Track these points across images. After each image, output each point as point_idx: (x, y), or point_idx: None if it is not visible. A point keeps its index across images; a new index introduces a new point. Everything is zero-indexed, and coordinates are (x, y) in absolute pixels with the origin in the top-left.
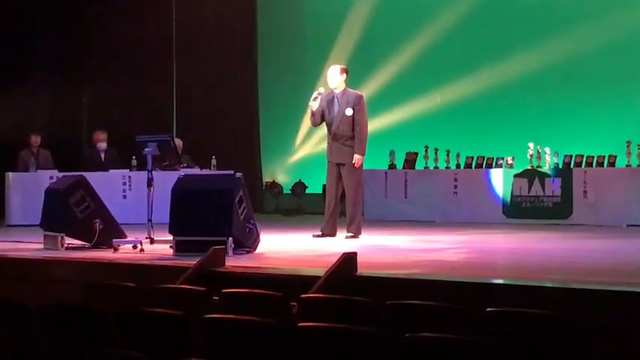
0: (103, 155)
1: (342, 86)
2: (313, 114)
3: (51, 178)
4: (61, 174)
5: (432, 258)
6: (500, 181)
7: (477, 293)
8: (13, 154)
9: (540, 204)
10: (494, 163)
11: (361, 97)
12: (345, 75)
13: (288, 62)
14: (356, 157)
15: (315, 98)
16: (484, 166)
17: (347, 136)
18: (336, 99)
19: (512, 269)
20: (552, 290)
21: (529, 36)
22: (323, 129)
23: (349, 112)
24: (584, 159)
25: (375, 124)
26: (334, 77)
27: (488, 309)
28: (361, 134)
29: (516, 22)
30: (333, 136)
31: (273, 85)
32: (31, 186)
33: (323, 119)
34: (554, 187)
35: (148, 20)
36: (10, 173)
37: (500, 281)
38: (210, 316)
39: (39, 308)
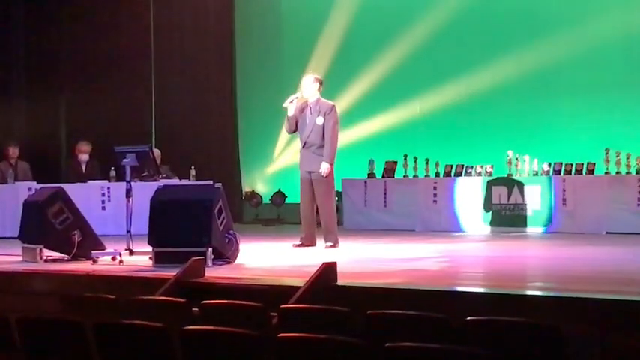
0: (84, 167)
1: (316, 96)
2: (288, 119)
3: (29, 190)
4: (39, 186)
5: (412, 267)
6: (479, 189)
7: (458, 302)
8: None
9: (520, 212)
10: (473, 172)
11: (333, 106)
12: (318, 84)
13: (267, 72)
14: (324, 165)
15: (292, 101)
16: (463, 174)
17: (317, 144)
18: (308, 108)
19: (492, 277)
20: (533, 298)
21: (507, 44)
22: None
23: (320, 120)
24: (563, 167)
25: (354, 133)
26: (308, 87)
27: (469, 317)
28: (330, 143)
29: (494, 30)
30: (304, 145)
31: (251, 94)
32: (9, 198)
33: (297, 127)
34: (533, 195)
35: (125, 30)
36: None
37: (481, 290)
38: (190, 327)
39: (18, 321)
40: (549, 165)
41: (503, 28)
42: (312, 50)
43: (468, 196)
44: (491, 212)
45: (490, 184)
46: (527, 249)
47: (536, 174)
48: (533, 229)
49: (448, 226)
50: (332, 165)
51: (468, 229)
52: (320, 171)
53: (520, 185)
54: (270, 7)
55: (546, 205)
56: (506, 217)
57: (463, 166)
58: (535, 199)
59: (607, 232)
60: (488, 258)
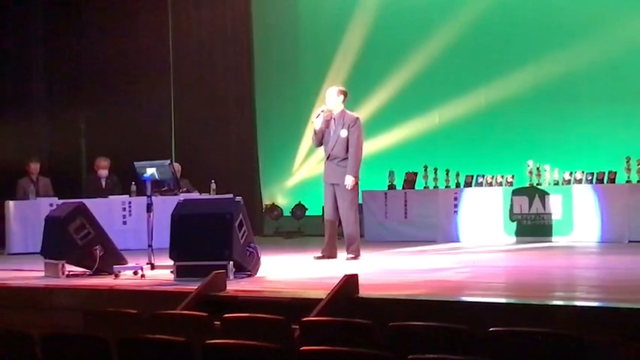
0: (103, 182)
1: (340, 108)
2: (316, 132)
3: (51, 205)
4: (60, 201)
5: (434, 278)
6: (500, 199)
7: (480, 313)
8: (13, 182)
9: (541, 221)
10: (494, 182)
11: (357, 119)
12: (342, 96)
13: (285, 84)
14: (348, 178)
15: (318, 116)
16: (484, 184)
17: (341, 157)
18: (333, 120)
19: (514, 288)
20: (555, 308)
21: (527, 53)
22: (320, 151)
23: (344, 133)
24: (584, 175)
25: (373, 145)
26: (332, 99)
27: (492, 328)
28: (355, 156)
29: (513, 40)
30: (328, 157)
31: (270, 107)
32: (31, 214)
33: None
34: (554, 204)
35: (144, 45)
36: (10, 201)
37: (503, 300)
38: (212, 341)
39: (41, 337)
40: (570, 174)
41: (522, 37)
42: (331, 62)
43: (489, 207)
44: (512, 222)
45: (511, 194)
46: (549, 259)
47: (557, 183)
48: (555, 238)
49: (469, 237)
50: (356, 177)
51: (489, 240)
52: (345, 184)
53: (541, 194)
54: (288, 19)
55: (568, 215)
56: (528, 226)
57: (484, 176)
58: (556, 208)
59: (630, 241)
60: (510, 268)
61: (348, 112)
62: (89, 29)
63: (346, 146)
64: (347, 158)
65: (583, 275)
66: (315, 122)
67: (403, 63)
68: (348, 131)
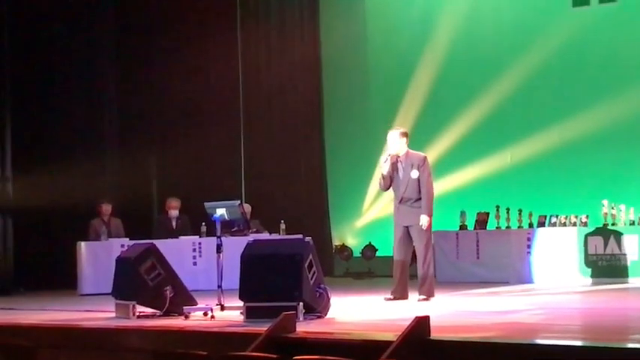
0: (174, 222)
1: (404, 149)
2: (384, 177)
3: (122, 246)
4: (132, 242)
5: (507, 320)
6: (574, 239)
7: (557, 356)
8: (85, 223)
9: (617, 262)
10: (567, 222)
11: (425, 158)
12: (405, 138)
13: (354, 124)
14: (424, 218)
15: (386, 160)
16: (557, 224)
17: (414, 198)
18: (400, 163)
19: (591, 330)
20: (635, 351)
21: (600, 91)
22: (390, 192)
23: (415, 174)
24: None
25: (444, 185)
26: (395, 142)
27: None
28: (428, 195)
29: (587, 76)
30: (401, 200)
31: (339, 148)
32: (102, 255)
33: (392, 183)
34: (630, 244)
35: (213, 86)
36: (82, 243)
37: (579, 343)
38: None
39: None
40: None
41: (595, 74)
42: (400, 102)
43: (563, 247)
44: (587, 263)
45: (586, 235)
46: (626, 300)
47: (632, 223)
48: (632, 279)
49: (543, 278)
50: (431, 217)
51: (563, 281)
52: (420, 224)
53: (616, 235)
54: (357, 62)
55: None
56: (603, 267)
57: (557, 216)
58: (632, 248)
59: None
60: (585, 310)
61: (412, 152)
62: (159, 67)
63: (418, 187)
64: (420, 199)
65: None
66: (383, 167)
67: (474, 101)
68: (419, 171)
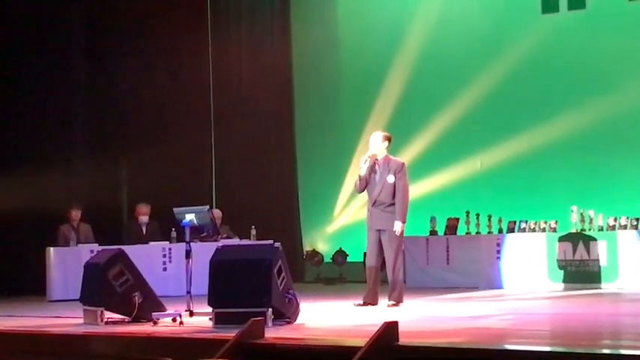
0: (144, 228)
1: (384, 153)
2: (360, 178)
3: (91, 252)
4: (101, 248)
5: (476, 325)
6: (544, 245)
7: None
8: (54, 228)
9: (586, 268)
10: (537, 227)
11: (403, 164)
12: (387, 142)
13: (326, 129)
14: (397, 224)
15: (366, 161)
16: (527, 230)
17: (387, 202)
18: (377, 166)
19: (559, 336)
20: (603, 357)
21: (570, 98)
22: (361, 197)
23: (391, 179)
24: (629, 221)
25: (415, 190)
26: (377, 144)
27: None
28: (402, 201)
29: (556, 84)
30: (374, 203)
31: (311, 153)
32: (71, 260)
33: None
34: (599, 250)
35: (184, 89)
36: (51, 248)
37: (548, 349)
38: None
39: None
40: (615, 219)
41: (565, 82)
42: (372, 107)
43: (532, 253)
44: (556, 269)
45: (554, 240)
46: (594, 306)
47: (601, 229)
48: (600, 285)
49: (512, 283)
50: (404, 223)
51: (532, 286)
52: (393, 229)
53: (586, 240)
54: (329, 64)
55: (613, 261)
56: (572, 273)
57: (527, 222)
58: (601, 254)
59: None
60: (554, 315)
61: (392, 157)
62: (129, 75)
63: (392, 192)
64: (393, 204)
65: (630, 323)
66: (362, 168)
67: (444, 108)
68: (395, 177)
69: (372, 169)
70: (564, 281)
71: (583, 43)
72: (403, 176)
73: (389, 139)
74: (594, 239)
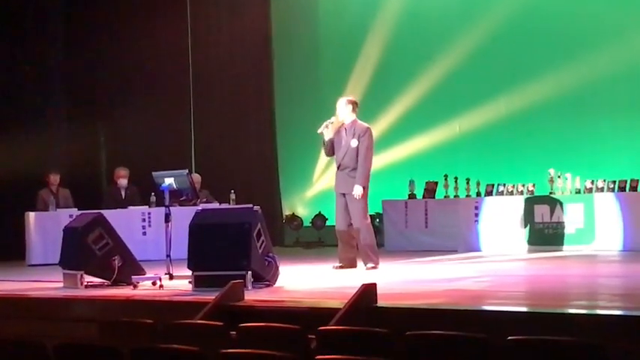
0: (123, 192)
1: (351, 118)
2: (325, 143)
3: (70, 216)
4: (80, 212)
5: (453, 287)
6: (521, 208)
7: (499, 322)
8: (33, 193)
9: (563, 230)
10: (515, 190)
11: (368, 129)
12: (352, 106)
13: (305, 94)
14: (357, 187)
15: (327, 126)
16: (505, 193)
17: (351, 167)
18: (344, 130)
19: (535, 297)
20: (577, 316)
21: (547, 62)
22: None
23: (354, 143)
24: (606, 184)
25: (394, 154)
26: (342, 109)
27: (510, 337)
28: (364, 165)
29: (534, 48)
30: (339, 167)
31: (290, 118)
32: (50, 225)
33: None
34: (576, 212)
35: (163, 55)
36: (30, 213)
37: (524, 309)
38: (227, 350)
39: (56, 348)
40: (592, 182)
41: (542, 46)
42: (351, 72)
43: (510, 215)
44: (533, 231)
45: (532, 203)
46: (570, 268)
47: (578, 192)
48: (577, 247)
49: (490, 246)
50: (365, 187)
51: (510, 249)
52: (353, 193)
53: (562, 203)
54: (308, 30)
55: (590, 223)
56: (549, 235)
57: (504, 185)
58: (578, 217)
59: None
60: (531, 277)
61: (359, 122)
62: (108, 40)
63: (356, 156)
64: (357, 168)
65: (605, 284)
66: (324, 133)
67: (423, 72)
68: (359, 141)
69: (338, 134)
70: (541, 243)
71: (559, 8)
72: (366, 140)
73: (354, 103)
74: (571, 202)
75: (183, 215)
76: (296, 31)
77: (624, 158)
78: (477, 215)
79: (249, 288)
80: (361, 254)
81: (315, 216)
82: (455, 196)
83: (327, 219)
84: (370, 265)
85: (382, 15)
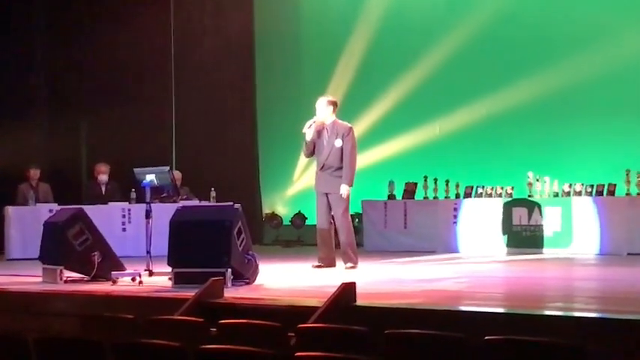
0: (103, 188)
1: (332, 118)
2: (307, 144)
3: (50, 211)
4: (60, 207)
5: (432, 288)
6: (499, 210)
7: (478, 323)
8: (13, 187)
9: (540, 233)
10: (493, 193)
11: (350, 128)
12: (332, 106)
13: (286, 94)
14: (343, 187)
15: (310, 126)
16: (484, 195)
17: (335, 166)
18: (325, 130)
19: (512, 298)
20: (552, 318)
21: (527, 66)
22: None
23: (338, 143)
24: (584, 188)
25: (374, 155)
26: (322, 109)
27: (487, 337)
28: (350, 165)
29: (515, 51)
30: (322, 167)
31: (271, 117)
32: (30, 219)
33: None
34: (554, 216)
35: (145, 51)
36: (10, 207)
37: (501, 310)
38: (206, 346)
39: (36, 341)
40: (570, 186)
41: (522, 50)
42: (332, 72)
43: (489, 218)
44: (511, 233)
45: (510, 205)
46: (548, 270)
47: (556, 195)
48: (554, 250)
49: (468, 248)
50: (351, 187)
51: (488, 251)
52: (340, 193)
53: (540, 206)
54: (290, 29)
55: (567, 227)
56: (527, 238)
57: (483, 187)
58: (556, 220)
59: (628, 254)
60: (508, 279)
61: (339, 121)
62: (90, 35)
63: (340, 156)
64: (341, 168)
65: (582, 287)
66: (307, 133)
67: (404, 74)
68: (343, 141)
69: (318, 134)
70: (519, 246)
71: (542, 9)
72: (350, 140)
73: (334, 103)
74: (549, 205)
75: (163, 212)
76: (278, 31)
77: (602, 162)
78: (455, 217)
79: (229, 285)
80: (342, 253)
81: (295, 215)
82: (434, 198)
83: (306, 218)
84: (349, 264)
85: (363, 18)
